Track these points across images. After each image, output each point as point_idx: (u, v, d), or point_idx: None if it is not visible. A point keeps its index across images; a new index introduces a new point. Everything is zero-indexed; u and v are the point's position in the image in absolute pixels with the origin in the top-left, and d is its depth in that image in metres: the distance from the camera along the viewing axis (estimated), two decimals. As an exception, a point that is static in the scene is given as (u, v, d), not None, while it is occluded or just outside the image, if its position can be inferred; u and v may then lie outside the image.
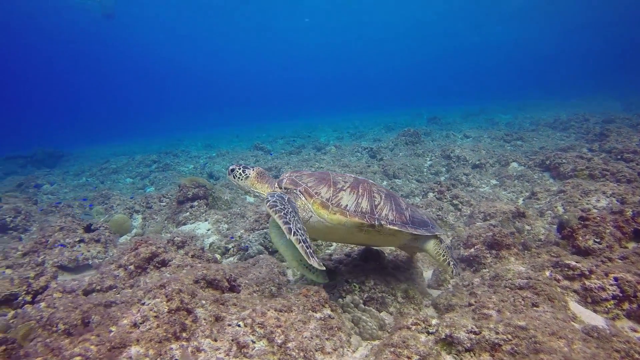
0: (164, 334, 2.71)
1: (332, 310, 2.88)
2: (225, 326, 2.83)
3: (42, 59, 63.80)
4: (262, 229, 5.59)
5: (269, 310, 2.69)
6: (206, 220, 6.68)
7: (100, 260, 5.55)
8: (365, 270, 3.67)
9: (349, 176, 3.41)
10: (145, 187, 11.81)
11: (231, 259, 5.29)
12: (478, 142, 11.51)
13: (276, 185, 3.38)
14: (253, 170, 3.46)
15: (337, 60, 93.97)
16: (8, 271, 5.40)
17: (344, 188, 3.19)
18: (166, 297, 2.98)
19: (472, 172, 7.76)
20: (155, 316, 2.81)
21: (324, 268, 2.81)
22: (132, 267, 4.39)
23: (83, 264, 5.44)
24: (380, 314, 3.20)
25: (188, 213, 6.88)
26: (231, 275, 3.60)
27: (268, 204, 2.91)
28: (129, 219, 7.39)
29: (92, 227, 6.15)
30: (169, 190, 8.46)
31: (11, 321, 4.04)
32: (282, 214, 2.82)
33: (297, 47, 75.33)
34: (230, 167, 3.50)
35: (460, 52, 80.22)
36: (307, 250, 2.70)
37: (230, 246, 5.50)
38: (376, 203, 3.19)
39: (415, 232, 3.20)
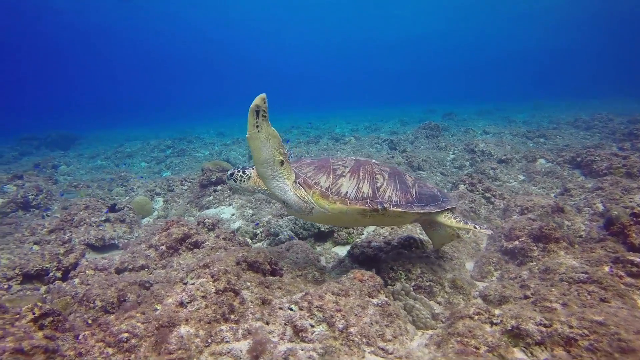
0: (213, 314, 2.62)
1: (387, 297, 2.78)
2: (276, 309, 2.74)
3: (57, 43, 63.91)
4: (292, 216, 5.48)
5: (326, 294, 2.59)
6: (230, 204, 6.59)
7: (126, 240, 5.48)
8: (410, 258, 3.55)
9: (349, 159, 3.26)
10: (161, 172, 11.76)
11: (260, 244, 5.20)
12: (499, 138, 11.31)
13: None
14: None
15: (347, 56, 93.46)
16: (36, 247, 5.36)
17: (344, 174, 3.07)
18: (212, 277, 2.89)
19: (498, 166, 7.59)
20: (203, 296, 2.72)
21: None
22: (163, 247, 4.31)
23: (109, 243, 5.37)
24: (430, 303, 3.09)
25: (212, 197, 6.79)
26: (272, 258, 3.51)
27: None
28: (150, 201, 7.32)
29: (117, 207, 6.08)
30: (190, 174, 8.38)
31: (45, 295, 3.99)
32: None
33: (311, 42, 74.91)
34: (229, 173, 3.33)
35: (471, 51, 79.37)
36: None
37: (258, 231, 5.41)
38: (378, 185, 3.06)
39: (422, 211, 3.05)
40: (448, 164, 9.06)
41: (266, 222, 5.60)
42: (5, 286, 4.16)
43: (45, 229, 5.67)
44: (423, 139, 11.36)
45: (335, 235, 5.15)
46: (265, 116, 2.63)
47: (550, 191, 6.44)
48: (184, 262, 4.03)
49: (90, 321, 3.27)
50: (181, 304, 2.72)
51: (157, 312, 2.71)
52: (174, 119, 44.37)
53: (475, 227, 3.12)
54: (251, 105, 2.55)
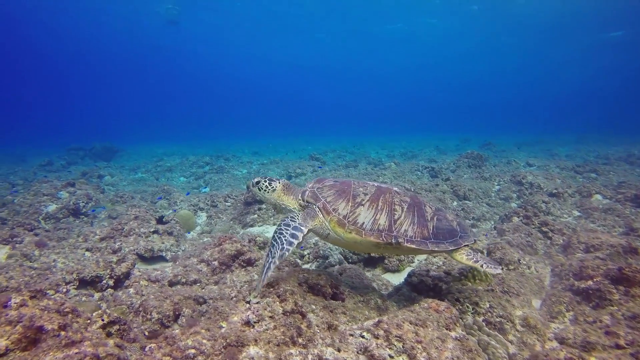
0: (282, 336, 2.52)
1: (464, 330, 2.61)
2: (345, 335, 2.61)
3: (106, 61, 67.78)
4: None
5: (404, 323, 2.44)
6: (274, 224, 6.55)
7: (174, 253, 5.51)
8: (476, 290, 3.36)
9: (371, 186, 3.20)
10: (200, 187, 11.95)
11: (308, 265, 5.10)
12: (545, 171, 10.91)
13: (300, 197, 3.25)
14: (279, 182, 3.34)
15: (381, 83, 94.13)
16: (87, 253, 5.47)
17: (363, 202, 3.02)
18: (278, 297, 2.80)
19: (550, 200, 7.26)
20: (271, 317, 2.63)
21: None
22: (216, 263, 4.28)
23: (157, 255, 5.40)
24: (505, 341, 2.88)
25: (256, 215, 6.79)
26: (332, 281, 3.40)
27: (273, 234, 2.99)
28: (193, 216, 7.40)
29: (164, 220, 6.16)
30: (232, 191, 8.45)
31: (99, 302, 4.01)
32: (272, 245, 2.89)
33: (345, 68, 76.09)
34: (255, 180, 3.35)
35: (509, 82, 78.39)
36: (260, 278, 2.79)
37: (305, 252, 5.32)
38: (396, 217, 2.98)
39: (437, 249, 2.95)
40: (493, 195, 8.77)
41: (313, 244, 5.51)
42: (64, 290, 4.21)
43: (97, 237, 5.78)
44: (465, 168, 11.11)
45: (386, 261, 5.00)
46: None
47: (612, 230, 6.07)
48: (237, 280, 3.97)
49: (147, 332, 3.25)
50: (248, 323, 2.64)
51: (223, 329, 2.64)
52: (209, 136, 45.66)
53: (482, 267, 3.04)
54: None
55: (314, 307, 2.96)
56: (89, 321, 2.70)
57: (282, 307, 2.72)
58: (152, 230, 5.70)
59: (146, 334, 3.25)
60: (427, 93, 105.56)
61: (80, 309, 2.82)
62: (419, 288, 3.88)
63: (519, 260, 4.49)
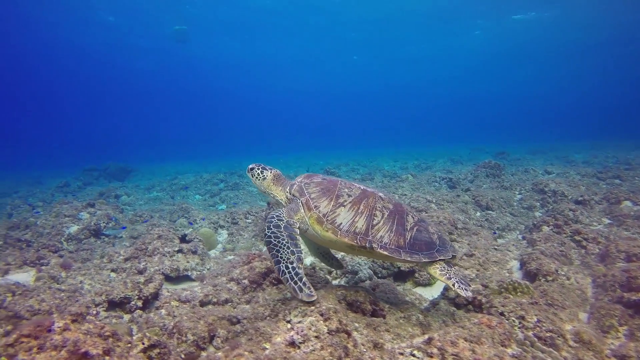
0: (330, 357, 2.42)
1: (519, 347, 2.49)
2: (395, 354, 2.51)
3: (114, 82, 69.11)
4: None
5: (458, 340, 2.34)
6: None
7: (199, 272, 5.44)
8: (520, 304, 3.23)
9: (356, 188, 3.23)
10: (216, 205, 11.95)
11: (337, 281, 5.00)
12: (565, 178, 10.71)
13: (288, 189, 3.38)
14: (270, 172, 3.48)
15: (388, 97, 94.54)
16: (113, 274, 5.43)
17: (345, 203, 3.08)
18: (322, 316, 2.71)
19: (577, 208, 7.08)
20: (316, 336, 2.54)
21: (315, 298, 2.82)
22: (246, 281, 4.21)
23: (183, 274, 5.35)
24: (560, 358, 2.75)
25: (278, 231, 6.71)
26: (371, 297, 3.30)
27: (264, 240, 3.08)
28: (214, 234, 7.36)
29: (187, 238, 6.12)
30: (252, 207, 8.42)
31: (129, 324, 3.94)
32: (274, 251, 2.94)
33: (346, 84, 76.68)
34: (250, 166, 3.54)
35: (519, 91, 78.15)
36: (295, 286, 2.81)
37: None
38: (374, 222, 3.02)
39: (410, 259, 2.96)
40: (515, 204, 8.61)
41: (339, 258, 5.41)
42: (94, 312, 4.17)
43: (121, 257, 5.75)
44: (483, 177, 10.96)
45: (417, 275, 4.89)
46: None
47: (647, 237, 5.87)
48: (270, 298, 3.88)
49: (183, 355, 3.16)
50: (293, 344, 2.55)
51: (267, 351, 2.55)
52: (219, 153, 46.12)
53: (453, 286, 2.98)
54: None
55: (356, 325, 2.87)
56: (129, 345, 2.65)
57: (326, 326, 2.63)
58: (176, 249, 5.65)
59: (183, 356, 3.18)
60: (435, 105, 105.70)
61: (119, 332, 2.77)
62: (457, 302, 3.76)
63: (557, 270, 4.35)
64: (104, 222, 8.06)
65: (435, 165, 17.46)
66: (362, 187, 3.27)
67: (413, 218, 3.21)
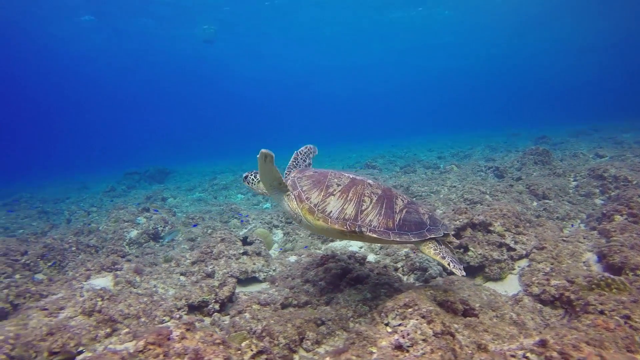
0: (441, 360, 2.45)
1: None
2: (506, 357, 2.50)
3: (138, 83, 71.10)
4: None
5: (580, 344, 2.30)
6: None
7: (265, 274, 5.56)
8: (621, 301, 3.14)
9: (345, 177, 3.43)
10: (260, 203, 12.13)
11: (405, 278, 5.00)
12: (622, 161, 10.22)
13: None
14: None
15: (417, 82, 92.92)
16: (182, 278, 5.64)
17: (334, 192, 3.27)
18: (424, 318, 2.73)
19: (645, 194, 6.75)
20: (424, 339, 2.55)
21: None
22: (322, 283, 4.27)
23: (251, 276, 5.48)
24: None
25: (334, 229, 6.77)
26: (461, 297, 3.29)
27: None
28: (270, 234, 7.49)
29: (248, 240, 6.25)
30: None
31: (213, 328, 4.09)
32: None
33: (373, 75, 75.88)
34: (244, 175, 3.91)
35: (553, 71, 75.01)
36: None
37: (399, 265, 5.22)
38: (363, 208, 3.19)
39: (399, 239, 3.12)
40: (571, 191, 8.31)
41: (404, 255, 5.40)
42: (177, 316, 4.34)
43: (188, 261, 5.96)
44: (531, 165, 10.62)
45: (487, 270, 4.82)
46: (271, 161, 3.19)
47: None
48: (350, 299, 3.93)
49: (279, 359, 3.25)
50: (400, 348, 2.58)
51: (375, 355, 2.60)
52: (250, 151, 46.52)
53: (448, 265, 3.07)
54: (260, 156, 3.11)
55: (456, 326, 2.87)
56: (239, 351, 2.75)
57: (431, 328, 2.64)
58: (241, 252, 5.80)
59: (278, 360, 3.27)
60: (463, 91, 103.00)
61: (226, 340, 2.87)
62: (543, 299, 3.69)
63: (643, 263, 4.18)
64: (161, 226, 8.36)
65: (474, 154, 17.04)
66: (351, 176, 3.45)
67: (402, 201, 3.35)
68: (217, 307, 4.55)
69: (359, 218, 3.13)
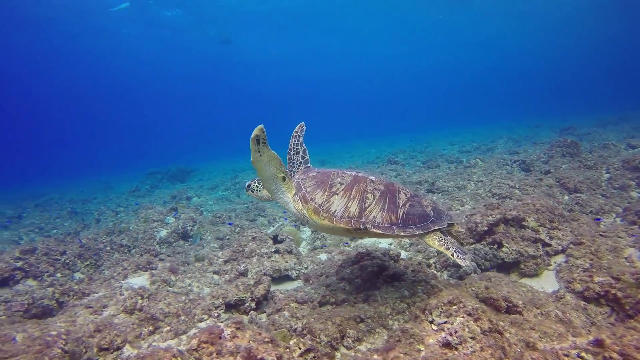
0: (491, 358, 2.44)
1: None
2: (559, 356, 2.48)
3: (163, 85, 72.23)
4: (470, 243, 5.19)
5: None
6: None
7: (297, 272, 5.62)
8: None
9: (348, 175, 3.47)
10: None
11: (439, 274, 4.98)
12: (656, 152, 9.91)
13: None
14: None
15: (430, 78, 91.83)
16: (216, 276, 5.74)
17: (338, 191, 3.33)
18: (470, 315, 2.72)
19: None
20: (472, 337, 2.55)
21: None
22: (359, 280, 4.30)
23: (284, 274, 5.55)
24: None
25: (362, 226, 6.78)
26: (503, 294, 3.27)
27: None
28: (298, 231, 7.55)
29: (279, 238, 6.32)
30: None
31: (253, 326, 4.17)
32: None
33: (389, 70, 75.28)
34: (247, 185, 3.92)
35: (572, 59, 72.95)
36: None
37: (431, 262, 5.21)
38: (367, 205, 3.24)
39: (404, 234, 3.17)
40: (604, 184, 8.10)
41: (436, 252, 5.39)
42: (216, 314, 4.45)
43: (221, 260, 6.07)
44: (559, 157, 10.38)
45: (522, 266, 4.76)
46: (265, 142, 3.12)
47: None
48: (388, 297, 3.94)
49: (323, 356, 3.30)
50: (448, 345, 2.59)
51: (423, 353, 2.61)
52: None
53: (452, 256, 3.12)
54: (252, 136, 3.02)
55: (502, 323, 2.86)
56: (288, 349, 2.80)
57: (478, 326, 2.64)
58: (272, 250, 5.87)
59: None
60: (482, 81, 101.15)
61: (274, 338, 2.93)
62: (587, 296, 3.64)
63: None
64: (190, 225, 8.52)
65: (497, 147, 16.73)
66: (353, 174, 3.49)
67: (405, 195, 3.39)
68: (253, 305, 4.63)
69: (363, 215, 3.20)
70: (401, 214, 3.24)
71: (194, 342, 2.55)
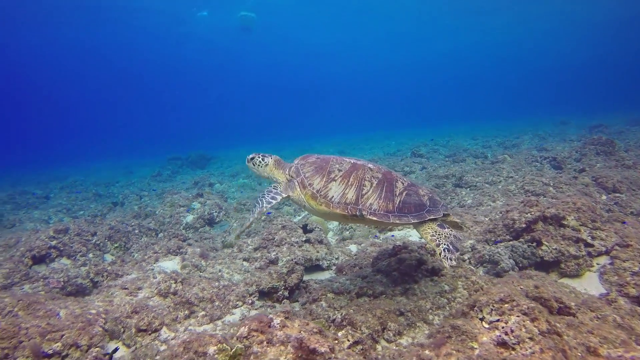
0: (553, 362, 2.35)
1: None
2: (626, 363, 2.38)
3: (174, 73, 72.70)
4: (506, 240, 5.06)
5: None
6: (412, 227, 6.40)
7: (328, 262, 5.58)
8: None
9: (347, 162, 3.50)
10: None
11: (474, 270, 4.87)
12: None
13: (287, 171, 3.69)
14: (271, 158, 3.83)
15: (447, 71, 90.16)
16: (245, 263, 5.74)
17: (336, 178, 3.36)
18: (526, 315, 2.61)
19: None
20: (530, 338, 2.45)
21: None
22: (396, 273, 4.22)
23: (315, 264, 5.51)
24: None
25: (392, 219, 6.69)
26: (555, 294, 3.16)
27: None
28: (325, 222, 7.49)
29: (308, 228, 6.28)
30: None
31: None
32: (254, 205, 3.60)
33: (405, 62, 74.13)
34: (250, 156, 3.91)
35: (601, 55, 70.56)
36: (241, 229, 3.69)
37: (465, 257, 5.10)
38: (364, 192, 3.28)
39: (399, 222, 3.22)
40: (644, 184, 7.80)
41: (470, 247, 5.27)
42: (250, 301, 4.44)
43: (250, 247, 6.06)
44: (593, 156, 10.05)
45: (562, 266, 4.61)
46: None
47: None
48: (428, 291, 3.87)
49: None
50: (503, 344, 2.50)
51: (477, 351, 2.52)
52: (287, 137, 46.85)
53: (440, 254, 3.13)
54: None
55: (559, 325, 2.75)
56: (336, 341, 2.75)
57: (536, 326, 2.53)
58: (303, 239, 5.83)
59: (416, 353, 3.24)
60: (503, 75, 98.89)
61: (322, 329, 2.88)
62: (641, 300, 3.49)
63: None
64: (215, 212, 8.56)
65: (523, 143, 16.33)
66: (352, 161, 3.50)
67: (403, 184, 3.40)
68: (286, 293, 4.62)
69: (359, 202, 3.24)
70: (397, 202, 3.27)
71: (244, 329, 2.52)
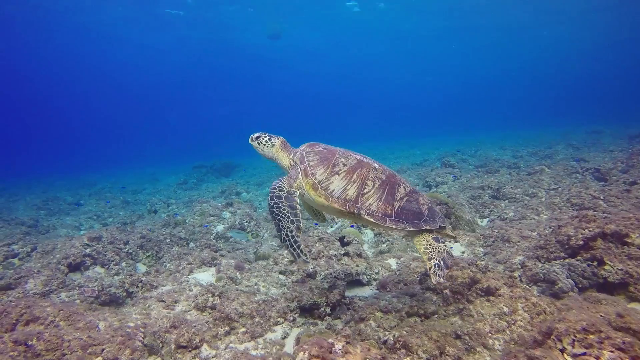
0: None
1: None
2: None
3: (204, 81, 73.93)
4: (559, 258, 4.72)
5: None
6: (456, 241, 6.11)
7: (368, 277, 5.33)
8: None
9: (353, 157, 3.40)
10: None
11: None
12: None
13: (292, 156, 3.57)
14: (278, 139, 3.65)
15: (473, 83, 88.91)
16: (282, 276, 5.56)
17: (340, 172, 3.28)
18: (622, 351, 2.33)
19: None
20: None
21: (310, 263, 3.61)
22: (447, 292, 3.95)
23: (355, 279, 5.28)
24: None
25: (431, 232, 6.41)
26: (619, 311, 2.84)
27: (269, 209, 3.31)
28: (360, 233, 7.27)
29: (345, 240, 6.06)
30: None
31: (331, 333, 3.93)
32: (276, 220, 3.23)
33: (432, 72, 73.52)
34: (255, 135, 3.68)
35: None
36: (294, 252, 3.15)
37: (515, 275, 4.77)
38: (365, 191, 3.22)
39: (395, 227, 3.16)
40: (701, 198, 7.28)
41: (519, 263, 4.95)
42: (291, 318, 4.25)
43: (286, 259, 5.88)
44: (640, 167, 9.53)
45: (631, 289, 4.24)
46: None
47: None
48: (485, 312, 3.59)
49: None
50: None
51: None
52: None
53: (430, 269, 3.11)
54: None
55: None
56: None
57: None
58: (342, 252, 5.62)
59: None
60: (531, 83, 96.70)
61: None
62: None
63: None
64: (246, 221, 8.44)
65: (556, 154, 15.70)
66: (358, 158, 3.41)
67: (405, 189, 3.35)
68: (328, 310, 4.40)
69: (359, 200, 3.19)
70: (396, 207, 3.22)
71: (303, 355, 2.32)
